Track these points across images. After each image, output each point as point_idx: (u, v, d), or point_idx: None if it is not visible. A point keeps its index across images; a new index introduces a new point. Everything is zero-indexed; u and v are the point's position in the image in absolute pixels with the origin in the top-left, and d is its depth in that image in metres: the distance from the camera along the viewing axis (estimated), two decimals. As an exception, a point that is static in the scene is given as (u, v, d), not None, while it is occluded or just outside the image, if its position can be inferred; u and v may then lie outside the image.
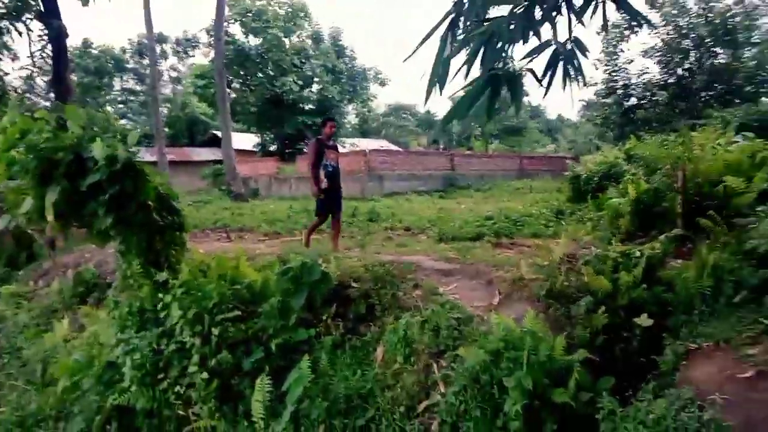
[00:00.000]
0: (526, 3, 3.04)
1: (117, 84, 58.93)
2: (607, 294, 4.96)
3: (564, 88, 3.31)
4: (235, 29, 39.65)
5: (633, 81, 28.56)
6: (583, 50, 3.26)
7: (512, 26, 3.02)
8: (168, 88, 59.72)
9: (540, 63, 3.27)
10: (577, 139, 52.43)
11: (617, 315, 4.77)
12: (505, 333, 4.09)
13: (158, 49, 49.10)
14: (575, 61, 3.21)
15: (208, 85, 41.01)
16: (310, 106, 40.04)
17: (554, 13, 3.12)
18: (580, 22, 3.11)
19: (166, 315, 5.24)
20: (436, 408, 4.14)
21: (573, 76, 3.27)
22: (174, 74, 62.88)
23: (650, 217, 7.41)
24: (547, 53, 3.20)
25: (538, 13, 3.08)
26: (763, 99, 24.86)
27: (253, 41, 40.03)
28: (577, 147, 48.15)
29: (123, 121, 48.71)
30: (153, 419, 5.02)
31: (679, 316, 4.60)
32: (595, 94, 30.26)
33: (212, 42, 32.68)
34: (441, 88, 3.18)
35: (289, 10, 41.21)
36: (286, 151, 39.66)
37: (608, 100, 28.99)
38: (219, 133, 38.02)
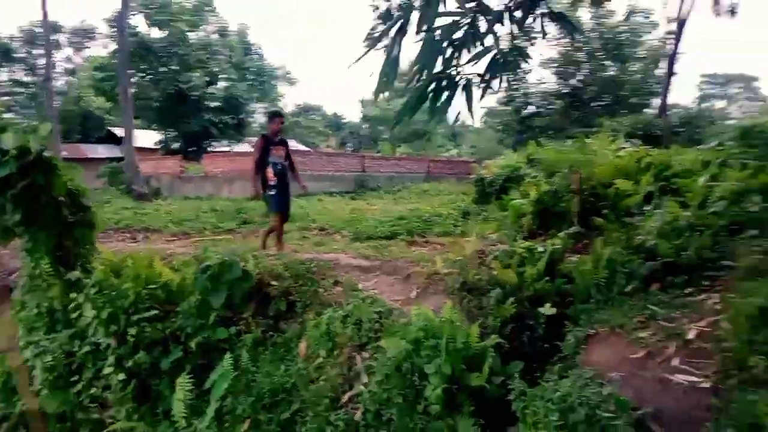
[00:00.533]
0: (471, 14, 3.24)
1: (4, 75, 54.12)
2: (514, 286, 5.31)
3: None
4: (138, 21, 37.77)
5: (531, 90, 30.19)
6: (525, 57, 3.52)
7: (457, 34, 3.21)
8: (61, 81, 55.70)
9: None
10: (478, 145, 54.53)
11: (524, 305, 5.12)
12: (424, 323, 4.29)
13: (52, 38, 45.74)
14: (515, 66, 3.45)
15: (107, 78, 38.73)
16: (216, 103, 38.71)
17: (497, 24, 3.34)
18: (522, 31, 3.36)
19: (79, 315, 5.01)
20: (359, 398, 4.27)
21: (512, 81, 3.53)
22: (69, 66, 58.76)
23: (550, 216, 7.95)
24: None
25: (482, 24, 3.29)
26: (646, 110, 27.14)
27: (157, 34, 38.31)
28: (479, 152, 50.13)
29: (9, 115, 44.79)
30: (66, 423, 4.79)
31: (579, 305, 5.02)
32: (496, 102, 31.71)
33: (113, 33, 30.95)
34: (389, 86, 3.31)
35: (195, 3, 39.81)
36: (190, 149, 38.13)
37: (508, 108, 30.46)
38: (116, 130, 35.95)
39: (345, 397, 4.41)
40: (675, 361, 3.87)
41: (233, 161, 23.80)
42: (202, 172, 25.45)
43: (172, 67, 37.23)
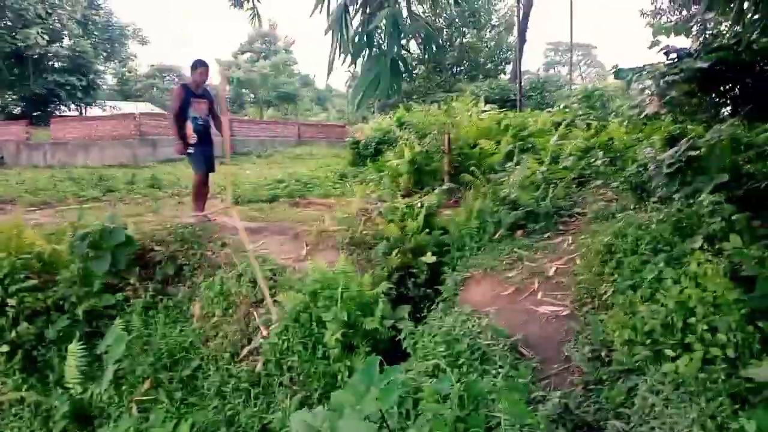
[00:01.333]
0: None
1: None
2: (398, 239, 5.74)
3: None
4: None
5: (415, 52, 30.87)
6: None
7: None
8: None
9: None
10: (345, 109, 54.96)
11: (407, 256, 5.57)
12: (320, 276, 4.56)
13: None
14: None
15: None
16: (61, 63, 35.12)
17: None
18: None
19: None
20: (259, 351, 4.47)
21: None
22: None
23: (424, 174, 8.52)
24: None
25: None
26: (501, 76, 28.97)
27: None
28: (347, 116, 50.56)
29: None
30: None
31: (455, 252, 5.57)
32: (362, 67, 32.04)
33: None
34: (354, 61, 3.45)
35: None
36: (36, 114, 34.35)
37: (350, 68, 30.95)
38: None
39: (244, 351, 4.59)
40: (539, 295, 4.52)
41: (86, 126, 21.87)
42: (51, 139, 23.19)
43: (7, 23, 33.07)
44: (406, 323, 4.45)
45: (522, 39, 25.00)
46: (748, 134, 6.05)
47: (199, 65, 6.76)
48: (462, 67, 32.58)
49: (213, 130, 7.04)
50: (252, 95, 49.34)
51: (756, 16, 5.20)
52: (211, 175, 7.22)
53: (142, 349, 4.51)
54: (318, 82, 72.87)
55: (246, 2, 7.30)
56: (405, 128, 11.91)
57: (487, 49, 31.90)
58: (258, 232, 6.35)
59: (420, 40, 4.10)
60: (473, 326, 3.98)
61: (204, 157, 6.90)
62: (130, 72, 47.70)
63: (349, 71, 34.78)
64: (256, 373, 4.30)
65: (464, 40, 31.59)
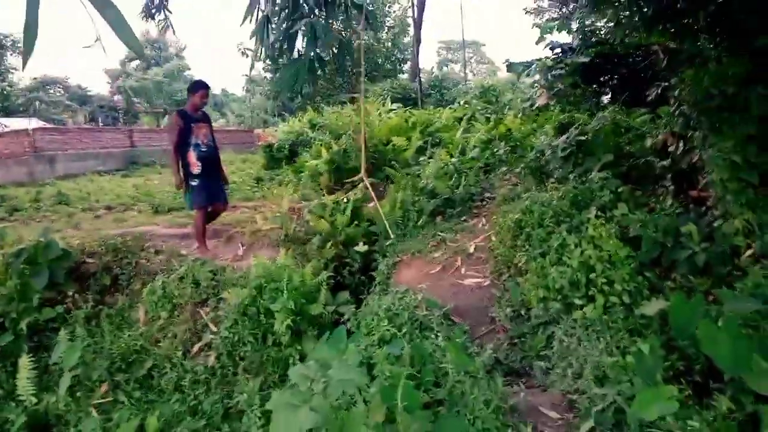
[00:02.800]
0: None
1: None
2: (329, 233, 6.12)
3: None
4: None
5: (297, 58, 30.95)
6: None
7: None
8: None
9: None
10: (244, 113, 54.11)
11: (339, 247, 5.97)
12: (264, 270, 4.86)
13: None
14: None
15: None
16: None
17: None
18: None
19: None
20: (210, 346, 4.70)
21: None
22: None
23: (343, 172, 8.91)
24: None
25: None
26: (400, 75, 29.86)
27: None
28: (246, 120, 49.84)
29: None
30: None
31: (383, 240, 6.02)
32: (262, 69, 31.92)
33: None
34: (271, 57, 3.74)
35: None
36: None
37: (268, 75, 30.95)
38: None
39: (195, 348, 4.80)
40: (463, 270, 5.08)
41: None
42: None
43: None
44: (348, 307, 4.87)
45: (418, 39, 25.98)
46: (626, 119, 6.95)
47: (200, 87, 6.00)
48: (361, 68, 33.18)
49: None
50: (147, 104, 47.42)
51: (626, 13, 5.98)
52: (221, 206, 6.31)
53: (94, 355, 4.60)
54: (213, 87, 71.06)
55: (158, 14, 7.33)
56: (318, 130, 12.25)
57: (384, 50, 32.70)
58: (189, 237, 6.49)
59: (335, 46, 4.52)
60: (410, 301, 4.45)
61: (207, 189, 5.93)
62: (11, 86, 44.33)
63: (246, 75, 34.53)
64: (211, 367, 4.54)
65: (363, 41, 32.20)
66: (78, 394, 4.39)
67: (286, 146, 12.50)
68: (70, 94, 60.13)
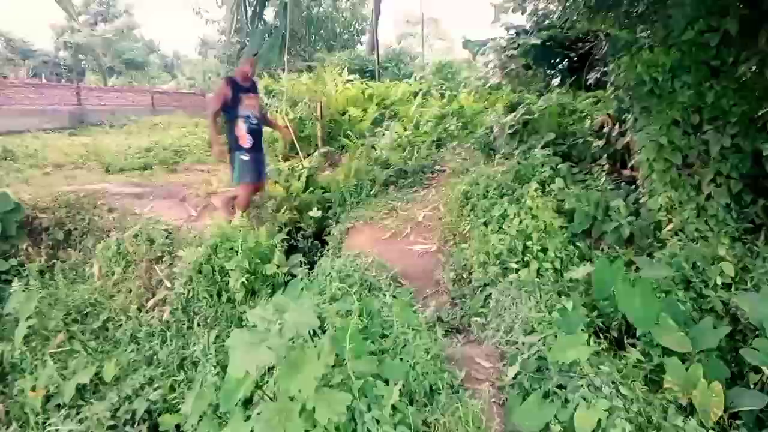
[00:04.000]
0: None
1: None
2: (284, 198, 6.29)
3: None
4: None
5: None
6: None
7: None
8: None
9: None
10: (196, 77, 52.69)
11: (294, 212, 6.15)
12: (220, 230, 5.01)
13: None
14: None
15: None
16: None
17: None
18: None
19: None
20: (165, 302, 4.84)
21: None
22: None
23: (298, 140, 9.01)
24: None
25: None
26: (358, 46, 29.73)
27: None
28: (198, 83, 48.64)
29: None
30: None
31: (337, 207, 6.25)
32: (217, 31, 31.14)
33: None
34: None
35: None
36: None
37: (233, 39, 30.28)
38: None
39: (150, 303, 4.92)
40: (412, 237, 5.36)
41: None
42: None
43: None
44: (301, 268, 5.08)
45: (378, 11, 25.89)
46: (572, 101, 7.33)
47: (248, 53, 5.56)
48: (319, 37, 32.86)
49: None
50: (94, 61, 45.50)
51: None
52: (263, 183, 5.91)
53: (50, 306, 4.67)
54: (164, 47, 68.78)
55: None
56: (274, 97, 12.23)
57: (343, 19, 32.41)
58: (143, 196, 6.53)
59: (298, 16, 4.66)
60: (361, 264, 4.71)
61: (257, 165, 5.51)
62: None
63: (200, 37, 33.59)
64: (165, 321, 4.69)
65: (321, 10, 31.81)
66: (33, 343, 4.47)
67: (242, 112, 12.41)
68: (12, 48, 57.04)
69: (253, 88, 5.52)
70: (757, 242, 3.83)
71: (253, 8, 3.91)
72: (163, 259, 5.24)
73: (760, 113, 3.81)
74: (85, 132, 17.62)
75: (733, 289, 3.44)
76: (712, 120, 4.01)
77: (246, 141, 5.34)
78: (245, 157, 5.35)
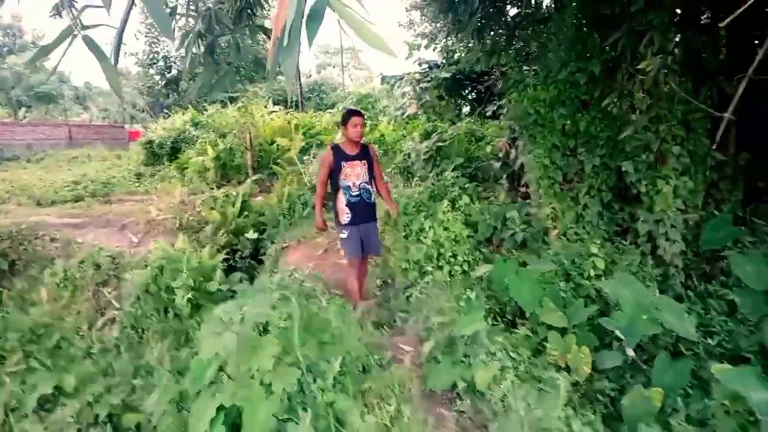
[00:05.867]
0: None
1: None
2: (221, 222, 6.77)
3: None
4: None
5: (172, 54, 30.34)
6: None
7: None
8: None
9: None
10: (110, 108, 51.40)
11: (230, 235, 6.64)
12: (164, 253, 5.45)
13: None
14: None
15: None
16: None
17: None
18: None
19: None
20: (115, 320, 5.21)
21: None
22: None
23: (229, 169, 9.51)
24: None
25: None
26: (280, 77, 30.23)
27: None
28: (112, 115, 47.52)
29: None
30: None
31: (271, 229, 6.79)
32: (135, 64, 30.88)
33: None
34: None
35: None
36: None
37: (151, 71, 30.13)
38: None
39: (99, 323, 5.28)
40: (341, 252, 5.97)
41: None
42: None
43: None
44: (241, 285, 5.59)
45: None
46: (480, 128, 8.26)
47: (353, 114, 4.72)
48: (238, 68, 33.13)
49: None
50: (4, 94, 43.47)
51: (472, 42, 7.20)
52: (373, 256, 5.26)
53: (5, 328, 4.93)
54: (74, 79, 66.41)
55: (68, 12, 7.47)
56: (200, 128, 12.61)
57: (264, 51, 32.96)
58: (82, 226, 6.81)
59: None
60: (298, 277, 5.28)
61: (357, 241, 4.85)
62: None
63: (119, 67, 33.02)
64: (116, 338, 5.06)
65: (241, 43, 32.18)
66: (-7, 363, 4.73)
67: (168, 143, 12.69)
68: None
69: (361, 156, 4.75)
70: (624, 241, 4.74)
71: (206, 45, 4.48)
72: (110, 282, 5.61)
73: (620, 137, 4.72)
74: (1, 167, 17.14)
75: (603, 278, 4.29)
76: (585, 144, 4.91)
77: (344, 215, 4.78)
78: (343, 235, 4.82)
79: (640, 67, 4.11)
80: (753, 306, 4.18)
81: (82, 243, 6.24)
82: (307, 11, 1.49)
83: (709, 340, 3.97)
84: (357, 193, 4.77)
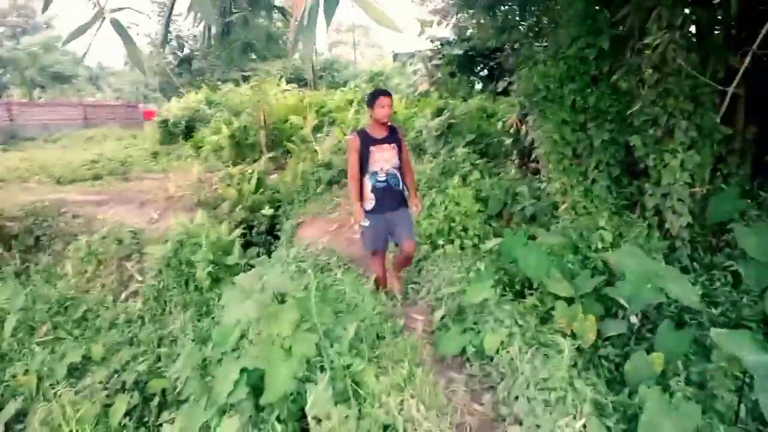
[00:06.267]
0: None
1: None
2: (237, 199, 6.95)
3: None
4: None
5: (185, 33, 30.38)
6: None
7: None
8: None
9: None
10: (123, 88, 51.66)
11: (247, 212, 6.81)
12: (184, 228, 5.63)
13: None
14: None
15: None
16: None
17: None
18: None
19: None
20: (138, 293, 5.43)
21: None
22: None
23: (243, 147, 9.66)
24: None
25: None
26: (296, 56, 30.17)
27: None
28: (125, 95, 47.81)
29: None
30: None
31: (287, 206, 6.96)
32: (148, 44, 30.97)
33: None
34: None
35: None
36: None
37: (165, 50, 30.21)
38: None
39: (123, 295, 5.51)
40: (355, 227, 6.12)
41: None
42: None
43: None
44: (259, 259, 5.78)
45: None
46: (492, 105, 8.32)
47: (380, 94, 4.31)
48: (251, 45, 33.09)
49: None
50: (19, 75, 43.82)
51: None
52: (408, 244, 4.39)
53: (34, 301, 5.16)
54: (88, 59, 66.64)
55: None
56: (214, 107, 12.76)
57: (275, 28, 32.86)
58: (104, 203, 7.03)
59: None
60: (313, 251, 5.46)
61: (380, 231, 4.43)
62: None
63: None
64: (140, 309, 5.28)
65: (252, 21, 32.10)
66: (20, 335, 4.96)
67: (183, 122, 12.87)
68: None
69: (389, 139, 4.36)
70: (632, 215, 4.84)
71: (221, 25, 4.59)
72: (132, 257, 5.82)
73: (629, 112, 4.79)
74: (19, 147, 17.44)
75: (610, 251, 4.41)
76: (594, 119, 4.99)
77: (368, 201, 4.36)
78: (365, 223, 4.37)
79: (647, 42, 4.17)
80: (757, 277, 4.29)
81: (103, 219, 6.45)
82: (324, -5, 1.59)
83: (713, 310, 4.10)
84: (384, 178, 4.35)
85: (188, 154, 10.70)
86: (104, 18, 2.40)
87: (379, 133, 4.33)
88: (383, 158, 4.33)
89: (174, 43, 30.09)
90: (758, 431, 2.71)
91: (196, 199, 6.80)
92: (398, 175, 4.37)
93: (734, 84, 3.49)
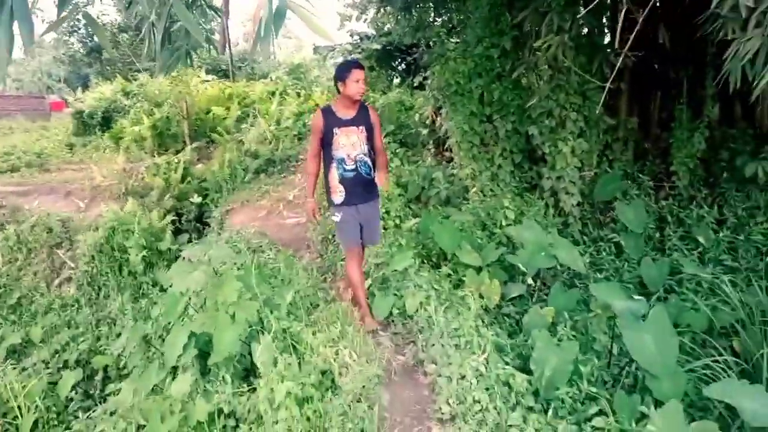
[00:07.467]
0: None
1: None
2: (164, 188, 7.10)
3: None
4: None
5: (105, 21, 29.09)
6: None
7: None
8: None
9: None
10: (23, 78, 48.60)
11: (176, 200, 6.99)
12: (115, 216, 5.78)
13: None
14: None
15: None
16: None
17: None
18: None
19: None
20: (71, 279, 5.54)
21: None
22: None
23: (166, 138, 9.69)
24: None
25: None
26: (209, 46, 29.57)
27: None
28: (26, 85, 45.02)
29: None
30: None
31: (214, 194, 7.18)
32: (57, 33, 29.42)
33: None
34: None
35: None
36: None
37: (72, 39, 28.85)
38: None
39: (56, 282, 5.60)
40: (284, 213, 6.48)
41: None
42: None
43: None
44: (189, 245, 6.01)
45: (227, 10, 26.20)
46: (410, 98, 8.85)
47: (353, 66, 3.68)
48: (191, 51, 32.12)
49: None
50: None
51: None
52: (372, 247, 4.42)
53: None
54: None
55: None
56: (132, 98, 12.57)
57: (193, 19, 32.04)
58: (28, 194, 6.96)
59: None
60: (245, 235, 5.76)
61: (355, 224, 3.89)
62: None
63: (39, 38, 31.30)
64: (74, 295, 5.41)
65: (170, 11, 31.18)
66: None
67: (99, 113, 12.55)
68: None
69: (358, 120, 3.77)
70: (532, 196, 5.50)
71: (162, 32, 4.79)
72: (63, 245, 5.90)
73: (528, 105, 5.43)
74: None
75: (513, 226, 5.03)
76: (498, 111, 5.60)
77: (336, 194, 3.84)
78: (335, 217, 3.92)
79: (539, 44, 4.80)
80: (635, 246, 5.09)
81: (29, 209, 6.44)
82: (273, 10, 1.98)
83: (599, 275, 4.83)
84: (352, 166, 3.79)
85: (107, 145, 10.53)
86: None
87: (347, 113, 3.75)
88: (349, 143, 3.76)
89: (83, 31, 28.75)
90: (626, 364, 3.36)
91: (124, 188, 6.88)
92: (369, 162, 3.85)
93: (610, 80, 4.17)
